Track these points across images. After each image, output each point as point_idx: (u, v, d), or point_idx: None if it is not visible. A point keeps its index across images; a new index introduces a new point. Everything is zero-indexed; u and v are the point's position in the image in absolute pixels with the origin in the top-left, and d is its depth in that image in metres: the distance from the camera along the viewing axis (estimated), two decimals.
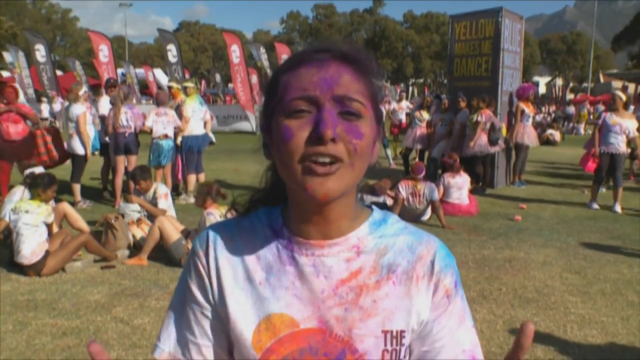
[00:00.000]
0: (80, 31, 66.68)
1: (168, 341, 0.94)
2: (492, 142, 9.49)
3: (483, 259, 5.72)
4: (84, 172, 8.34)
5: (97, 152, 9.15)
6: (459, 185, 7.93)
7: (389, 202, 7.44)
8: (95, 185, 9.52)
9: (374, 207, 0.97)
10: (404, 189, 7.17)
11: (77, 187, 8.07)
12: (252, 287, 0.90)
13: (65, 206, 6.06)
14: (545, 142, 19.15)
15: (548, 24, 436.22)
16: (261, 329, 0.87)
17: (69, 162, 8.29)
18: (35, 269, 5.02)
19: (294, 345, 0.87)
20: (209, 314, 0.92)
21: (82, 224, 5.95)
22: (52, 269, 5.10)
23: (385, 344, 0.87)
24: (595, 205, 8.42)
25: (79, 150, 7.99)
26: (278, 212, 0.95)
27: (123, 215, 6.17)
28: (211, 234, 0.95)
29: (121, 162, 8.03)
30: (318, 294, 0.87)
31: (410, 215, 7.30)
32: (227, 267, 0.91)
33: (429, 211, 7.38)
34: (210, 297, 0.92)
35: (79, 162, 8.11)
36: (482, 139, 9.47)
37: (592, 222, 7.50)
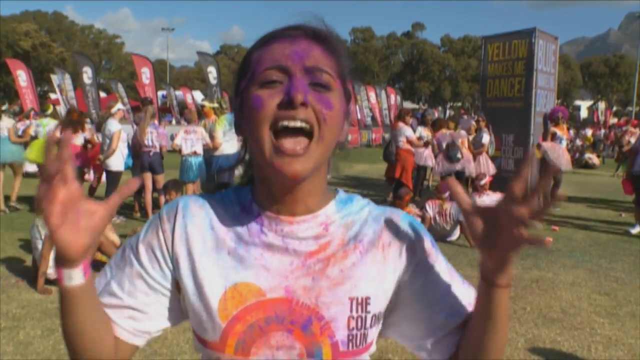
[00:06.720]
0: (125, 55, 68.51)
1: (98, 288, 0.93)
2: (451, 158, 9.44)
3: None
4: (118, 189, 8.53)
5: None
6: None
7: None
8: (128, 201, 9.73)
9: (338, 188, 0.99)
10: (431, 208, 7.14)
11: None
12: (219, 256, 0.90)
13: None
14: (584, 165, 18.80)
15: (590, 47, 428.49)
16: (227, 297, 0.88)
17: (103, 180, 8.50)
18: None
19: (260, 314, 0.87)
20: (146, 276, 0.92)
21: (112, 235, 6.10)
22: None
23: (351, 311, 0.89)
24: (635, 230, 8.12)
25: (113, 166, 8.19)
26: (247, 189, 0.96)
27: None
28: (181, 203, 0.95)
29: (148, 178, 8.18)
30: (287, 266, 0.89)
31: (438, 235, 7.24)
32: (196, 234, 0.92)
33: (457, 231, 7.31)
34: (163, 262, 0.92)
35: (112, 178, 8.32)
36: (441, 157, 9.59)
37: (627, 245, 7.30)
